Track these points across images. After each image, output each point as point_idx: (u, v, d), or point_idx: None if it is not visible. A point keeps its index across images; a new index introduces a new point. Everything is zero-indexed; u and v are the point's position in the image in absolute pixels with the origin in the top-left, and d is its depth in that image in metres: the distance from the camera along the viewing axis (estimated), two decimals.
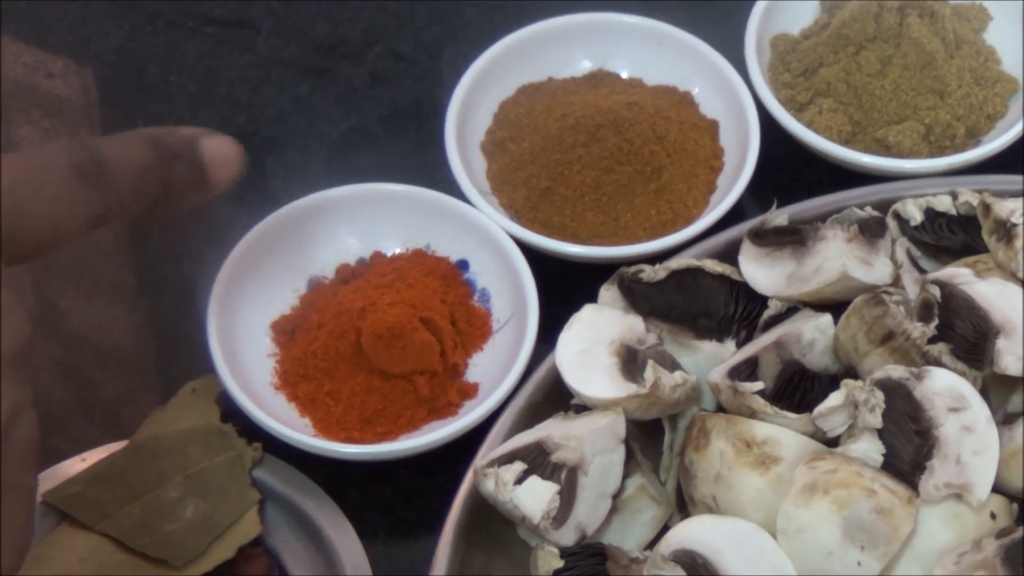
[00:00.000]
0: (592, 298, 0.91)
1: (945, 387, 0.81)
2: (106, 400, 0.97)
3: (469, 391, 0.93)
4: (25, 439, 0.64)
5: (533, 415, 0.88)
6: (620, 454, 0.84)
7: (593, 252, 0.96)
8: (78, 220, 0.69)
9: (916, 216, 0.92)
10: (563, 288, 0.95)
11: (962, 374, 0.82)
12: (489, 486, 0.82)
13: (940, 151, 1.00)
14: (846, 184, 0.96)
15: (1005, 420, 0.83)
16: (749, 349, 0.87)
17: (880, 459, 0.80)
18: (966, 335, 0.83)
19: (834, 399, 0.82)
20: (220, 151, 0.76)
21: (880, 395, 0.81)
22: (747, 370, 0.85)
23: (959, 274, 0.85)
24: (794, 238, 0.90)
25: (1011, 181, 0.94)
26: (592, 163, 0.98)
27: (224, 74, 1.11)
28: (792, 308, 0.89)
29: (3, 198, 0.65)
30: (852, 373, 0.85)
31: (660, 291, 0.90)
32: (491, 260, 0.96)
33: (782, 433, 0.82)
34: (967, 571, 0.77)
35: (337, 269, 0.98)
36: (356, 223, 0.98)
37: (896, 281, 0.89)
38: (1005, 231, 0.87)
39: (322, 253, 0.98)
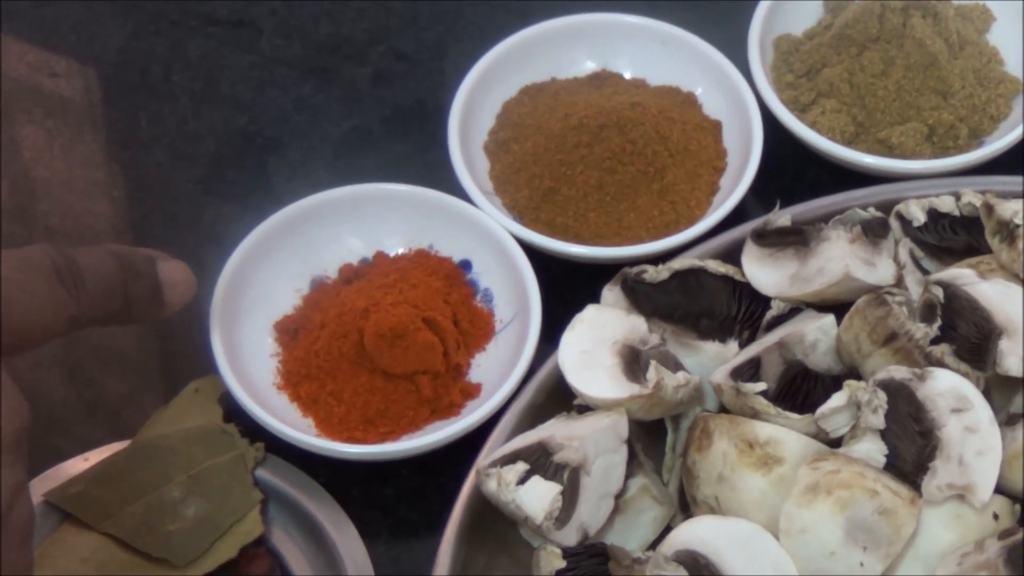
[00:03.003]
0: (595, 298, 0.91)
1: (948, 388, 0.81)
2: (108, 400, 0.97)
3: (472, 391, 0.93)
4: (23, 519, 0.67)
5: (536, 415, 0.88)
6: (623, 454, 0.84)
7: (596, 252, 0.96)
8: (59, 319, 0.72)
9: (919, 217, 0.92)
10: (566, 288, 0.95)
11: (965, 375, 0.82)
12: (491, 486, 0.82)
13: (943, 152, 1.00)
14: (849, 185, 0.96)
15: (1008, 421, 0.83)
16: (752, 350, 0.87)
17: (883, 460, 0.80)
18: (969, 336, 0.83)
19: (837, 400, 0.82)
20: (175, 274, 0.81)
21: (883, 396, 0.81)
22: (750, 371, 0.85)
23: (962, 275, 0.85)
24: (797, 239, 0.90)
25: (1014, 182, 0.94)
26: (595, 163, 0.98)
27: (227, 74, 1.11)
28: (795, 309, 0.89)
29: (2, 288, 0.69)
30: (855, 374, 0.85)
31: (663, 291, 0.90)
32: (494, 260, 0.96)
33: (784, 434, 0.82)
34: (969, 572, 0.77)
35: (340, 269, 0.98)
36: (359, 223, 0.98)
37: (899, 282, 0.89)
38: (1008, 232, 0.87)
39: (325, 253, 0.98)
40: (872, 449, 0.80)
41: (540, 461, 0.82)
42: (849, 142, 1.01)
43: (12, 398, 0.67)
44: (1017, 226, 0.87)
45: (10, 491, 0.66)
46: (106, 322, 0.77)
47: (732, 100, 1.02)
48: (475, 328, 0.95)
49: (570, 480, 0.82)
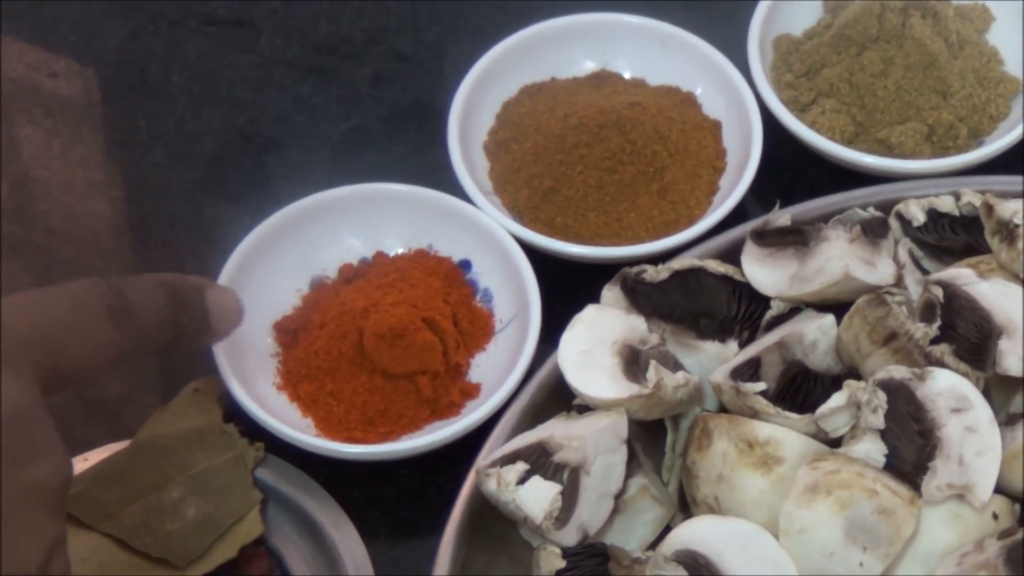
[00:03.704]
0: (594, 298, 0.91)
1: (947, 388, 0.81)
2: (108, 400, 0.97)
3: (471, 391, 0.93)
4: (59, 572, 0.67)
5: (535, 415, 0.88)
6: (622, 454, 0.84)
7: (596, 252, 0.96)
8: (107, 358, 0.73)
9: (919, 217, 0.92)
10: (565, 288, 0.95)
11: (964, 375, 0.82)
12: (491, 486, 0.82)
13: (943, 152, 1.00)
14: (849, 185, 0.96)
15: (1007, 421, 0.83)
16: (751, 350, 0.87)
17: (882, 460, 0.80)
18: (968, 336, 0.83)
19: (836, 400, 0.82)
20: (223, 302, 0.81)
21: (882, 396, 0.81)
22: (749, 371, 0.85)
23: (961, 275, 0.85)
24: (797, 239, 0.90)
25: (1014, 182, 0.94)
26: (595, 163, 0.98)
27: (226, 74, 1.11)
28: (795, 309, 0.89)
29: (47, 334, 0.69)
30: (854, 374, 0.85)
31: (662, 291, 0.90)
32: (493, 260, 0.96)
33: (784, 434, 0.82)
34: (969, 572, 0.77)
35: (339, 269, 0.98)
36: (358, 223, 0.98)
37: (899, 282, 0.89)
38: (1008, 232, 0.87)
39: (324, 253, 0.98)
40: (872, 449, 0.80)
41: (540, 461, 0.82)
42: (849, 142, 1.01)
43: (57, 454, 0.67)
44: (1017, 226, 0.87)
45: (50, 545, 0.66)
46: (156, 351, 0.78)
47: (732, 100, 1.02)
48: (475, 328, 0.95)
49: (570, 480, 0.82)
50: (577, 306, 0.89)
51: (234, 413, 0.91)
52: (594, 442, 0.83)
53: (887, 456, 0.80)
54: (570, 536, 0.82)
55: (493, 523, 0.84)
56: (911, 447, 0.80)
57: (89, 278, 0.73)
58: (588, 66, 1.06)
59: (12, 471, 0.65)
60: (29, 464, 0.66)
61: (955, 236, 0.91)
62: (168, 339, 0.77)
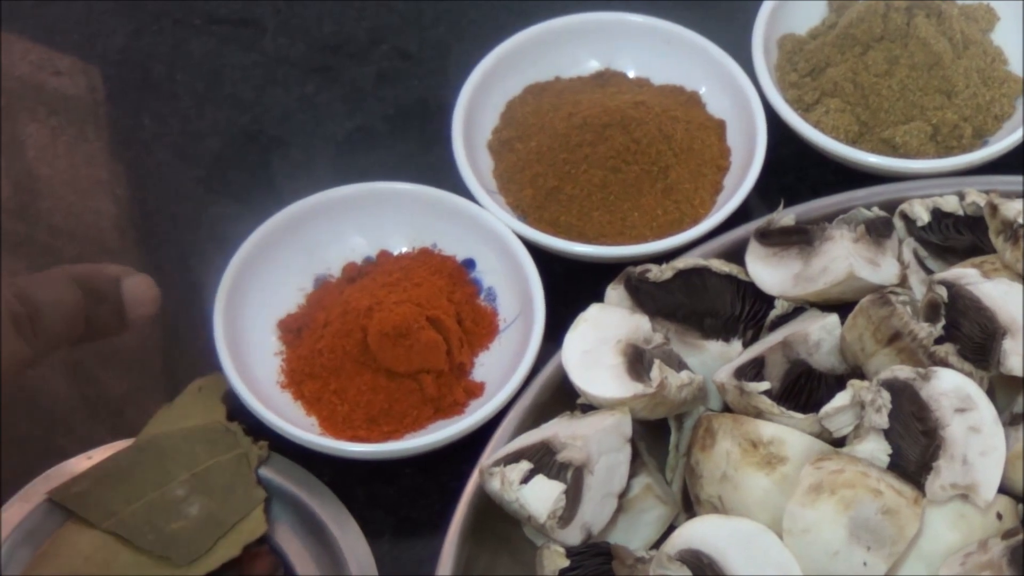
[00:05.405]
0: (598, 297, 0.91)
1: (951, 387, 0.81)
2: (112, 398, 0.97)
3: (475, 390, 0.93)
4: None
5: (539, 414, 0.88)
6: (626, 454, 0.84)
7: (600, 251, 0.96)
8: (12, 366, 0.72)
9: (923, 216, 0.92)
10: (569, 287, 0.95)
11: (968, 375, 0.82)
12: (495, 485, 0.82)
13: (947, 151, 1.00)
14: (853, 184, 0.96)
15: (1011, 421, 0.83)
16: (755, 349, 0.87)
17: (886, 459, 0.80)
18: (973, 336, 0.83)
19: (840, 399, 0.82)
20: (139, 291, 0.79)
21: (886, 395, 0.81)
22: (753, 370, 0.85)
23: (966, 275, 0.85)
24: (801, 238, 0.90)
25: (1018, 182, 0.94)
26: (599, 162, 0.98)
27: (230, 73, 1.11)
28: (799, 308, 0.89)
29: None
30: (858, 373, 0.85)
31: (666, 291, 0.90)
32: (497, 259, 0.96)
33: (788, 433, 0.82)
34: (973, 572, 0.77)
35: (343, 268, 0.98)
36: (362, 222, 0.98)
37: (903, 281, 0.89)
38: (1012, 232, 0.87)
39: (328, 252, 0.98)
40: (876, 448, 0.80)
41: (544, 460, 0.82)
42: (853, 141, 1.01)
43: None
44: (1021, 226, 0.87)
45: None
46: (68, 348, 0.76)
47: (736, 99, 1.02)
48: (479, 327, 0.95)
49: (573, 479, 0.82)
50: (581, 305, 0.89)
51: (238, 411, 0.91)
52: (598, 441, 0.83)
53: (891, 456, 0.80)
54: (574, 535, 0.82)
55: (496, 522, 0.84)
56: (915, 447, 0.80)
57: None
58: (592, 65, 1.06)
59: None
60: None
61: (959, 236, 0.91)
62: (81, 335, 0.76)
